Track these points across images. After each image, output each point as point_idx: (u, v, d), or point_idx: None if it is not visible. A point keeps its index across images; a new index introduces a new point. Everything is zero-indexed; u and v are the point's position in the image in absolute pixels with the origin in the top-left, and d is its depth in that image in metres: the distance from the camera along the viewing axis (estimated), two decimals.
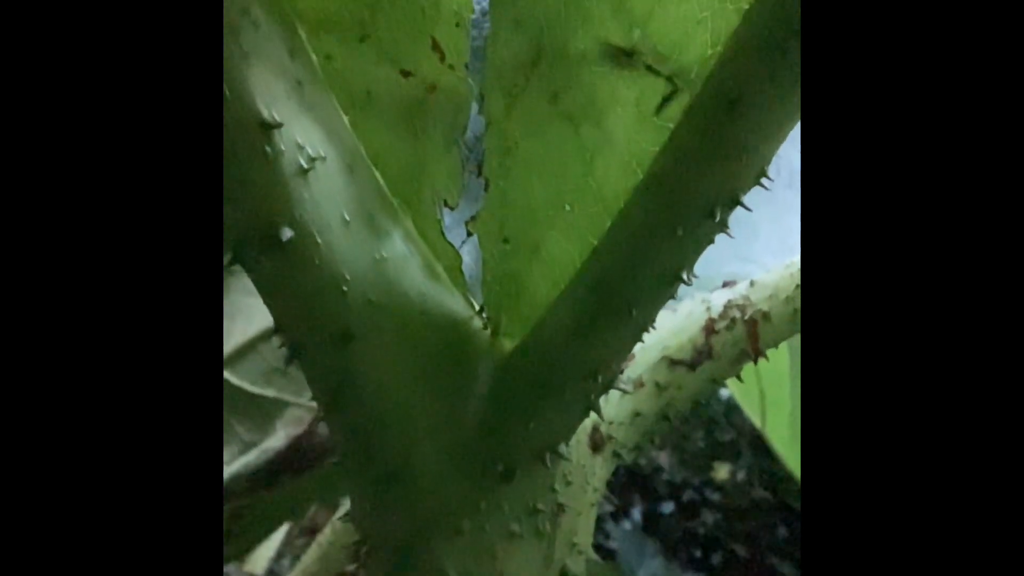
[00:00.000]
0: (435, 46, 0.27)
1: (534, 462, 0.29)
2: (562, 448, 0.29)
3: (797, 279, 0.40)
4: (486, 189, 0.28)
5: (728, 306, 0.39)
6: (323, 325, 0.27)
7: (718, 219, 0.25)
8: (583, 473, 0.32)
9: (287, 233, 0.26)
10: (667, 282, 0.26)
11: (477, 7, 0.26)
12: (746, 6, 0.24)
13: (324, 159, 0.27)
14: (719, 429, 1.50)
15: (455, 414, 0.29)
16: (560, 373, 0.28)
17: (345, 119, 0.28)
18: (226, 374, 0.63)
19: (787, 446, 0.85)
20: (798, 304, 0.40)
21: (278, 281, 0.27)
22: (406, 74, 0.27)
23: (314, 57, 0.27)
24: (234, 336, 0.64)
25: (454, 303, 0.30)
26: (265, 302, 0.29)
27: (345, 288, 0.27)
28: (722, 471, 1.48)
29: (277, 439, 0.64)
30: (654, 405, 0.37)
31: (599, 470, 0.34)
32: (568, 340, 0.27)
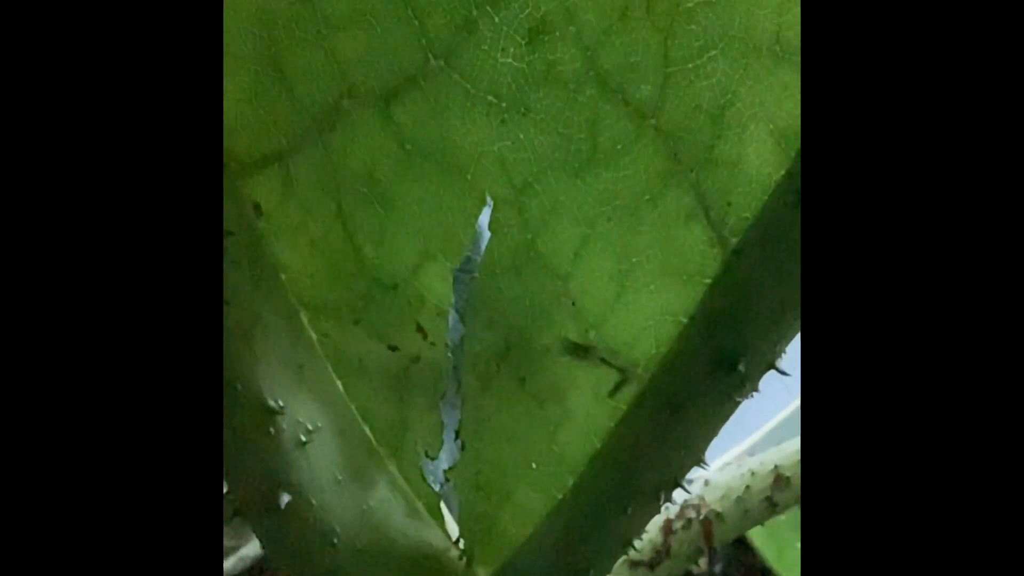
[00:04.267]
0: (419, 328, 0.31)
1: None
2: None
3: (747, 479, 0.44)
4: (462, 449, 0.32)
5: (684, 506, 0.43)
6: (315, 572, 0.31)
7: (662, 500, 0.28)
8: None
9: (285, 498, 0.30)
10: (620, 547, 0.30)
11: (456, 300, 0.30)
12: (684, 320, 0.28)
13: (320, 428, 0.30)
14: None
15: None
16: None
17: (339, 384, 0.32)
18: None
19: (764, 540, 0.88)
20: (748, 504, 0.44)
21: (275, 535, 0.31)
22: (393, 348, 0.31)
23: (313, 335, 0.31)
24: None
25: (432, 536, 0.34)
26: (262, 546, 0.32)
27: (336, 540, 0.31)
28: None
29: (255, 546, 0.66)
30: None
31: None
32: None
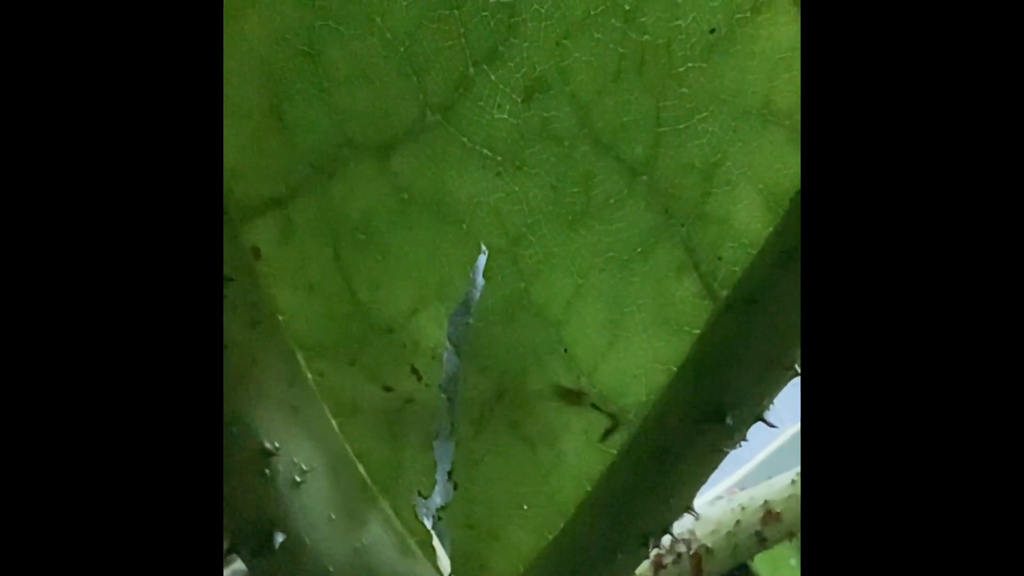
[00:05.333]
0: (414, 371, 0.31)
1: None
2: None
3: (737, 515, 0.45)
4: (455, 489, 0.32)
5: (675, 540, 0.44)
6: None
7: (651, 547, 0.29)
8: None
9: (279, 538, 0.30)
10: None
11: (450, 345, 0.31)
12: (674, 369, 0.29)
13: (315, 468, 0.31)
14: None
15: None
16: None
17: (334, 423, 0.32)
18: None
19: (760, 557, 0.88)
20: (738, 539, 0.44)
21: (269, 574, 0.31)
22: (388, 389, 0.32)
23: (309, 375, 0.32)
24: None
25: (425, 574, 0.34)
26: None
27: None
28: None
29: None
30: None
31: None
32: None
